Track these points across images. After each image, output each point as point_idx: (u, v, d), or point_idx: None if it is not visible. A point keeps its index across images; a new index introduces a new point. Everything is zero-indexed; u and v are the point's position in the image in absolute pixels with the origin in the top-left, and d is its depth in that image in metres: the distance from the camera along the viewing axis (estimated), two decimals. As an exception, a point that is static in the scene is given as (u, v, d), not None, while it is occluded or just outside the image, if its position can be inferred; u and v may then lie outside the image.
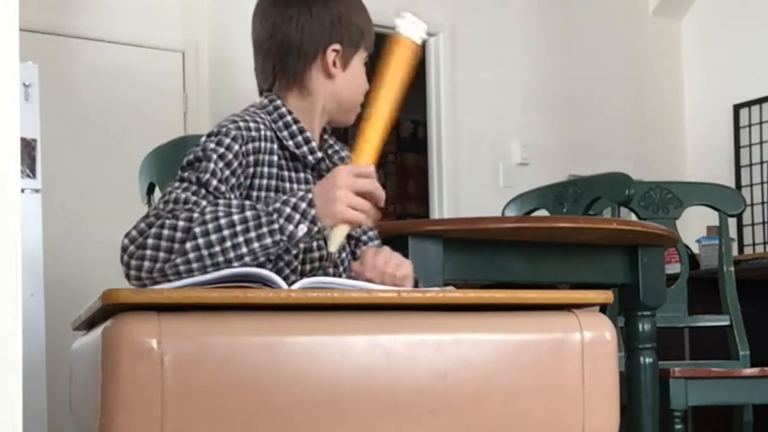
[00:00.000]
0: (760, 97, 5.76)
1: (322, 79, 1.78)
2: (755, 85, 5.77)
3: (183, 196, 1.59)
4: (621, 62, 6.00)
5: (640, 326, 2.52)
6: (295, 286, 1.38)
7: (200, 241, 1.49)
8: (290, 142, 1.74)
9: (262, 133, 1.70)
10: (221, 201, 1.56)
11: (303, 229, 1.52)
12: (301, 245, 1.70)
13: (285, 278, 1.65)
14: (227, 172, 1.64)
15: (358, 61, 1.81)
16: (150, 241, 1.51)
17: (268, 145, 1.71)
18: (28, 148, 3.63)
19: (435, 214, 5.40)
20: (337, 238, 1.57)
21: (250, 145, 1.68)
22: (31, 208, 3.62)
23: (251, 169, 1.69)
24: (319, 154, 1.76)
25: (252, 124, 1.70)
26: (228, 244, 1.50)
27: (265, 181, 1.70)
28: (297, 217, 1.52)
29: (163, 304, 1.25)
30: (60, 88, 4.58)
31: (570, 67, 5.80)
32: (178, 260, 1.50)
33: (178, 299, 1.27)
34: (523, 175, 5.44)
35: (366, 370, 1.31)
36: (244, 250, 1.51)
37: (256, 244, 1.51)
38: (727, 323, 3.10)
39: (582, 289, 1.49)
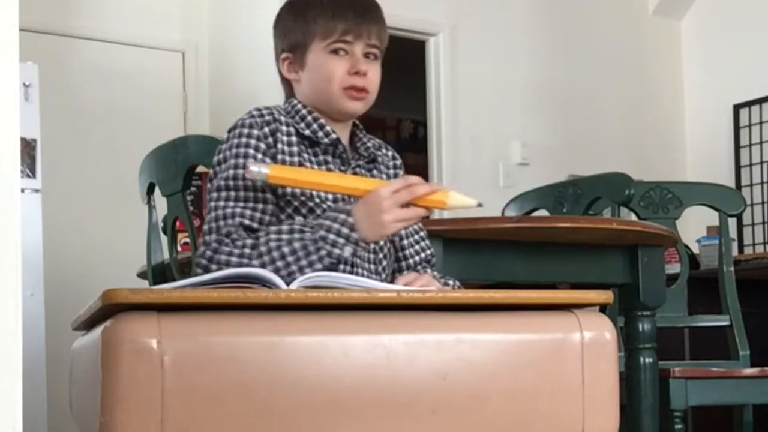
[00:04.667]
0: (760, 97, 5.76)
1: (294, 85, 1.93)
2: (755, 85, 5.76)
3: (229, 210, 1.76)
4: (621, 62, 5.99)
5: (640, 326, 2.52)
6: (294, 285, 1.38)
7: None
8: (307, 131, 1.85)
9: (276, 116, 1.84)
10: (272, 228, 1.71)
11: (348, 250, 1.67)
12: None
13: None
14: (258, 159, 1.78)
15: (315, 54, 1.87)
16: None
17: (284, 128, 1.84)
18: (28, 148, 3.63)
19: (435, 213, 5.39)
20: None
21: (266, 128, 1.82)
22: (31, 208, 3.62)
23: (273, 150, 1.81)
24: (334, 135, 1.86)
25: (265, 110, 1.85)
26: (284, 273, 1.65)
27: (287, 158, 1.81)
28: (341, 241, 1.66)
29: (162, 304, 1.26)
30: (60, 88, 4.59)
31: (570, 67, 5.80)
32: None
33: (178, 299, 1.27)
34: (523, 175, 5.43)
35: (366, 370, 1.31)
36: (298, 275, 1.63)
37: (308, 270, 1.66)
38: (727, 323, 3.09)
39: (582, 289, 1.49)
